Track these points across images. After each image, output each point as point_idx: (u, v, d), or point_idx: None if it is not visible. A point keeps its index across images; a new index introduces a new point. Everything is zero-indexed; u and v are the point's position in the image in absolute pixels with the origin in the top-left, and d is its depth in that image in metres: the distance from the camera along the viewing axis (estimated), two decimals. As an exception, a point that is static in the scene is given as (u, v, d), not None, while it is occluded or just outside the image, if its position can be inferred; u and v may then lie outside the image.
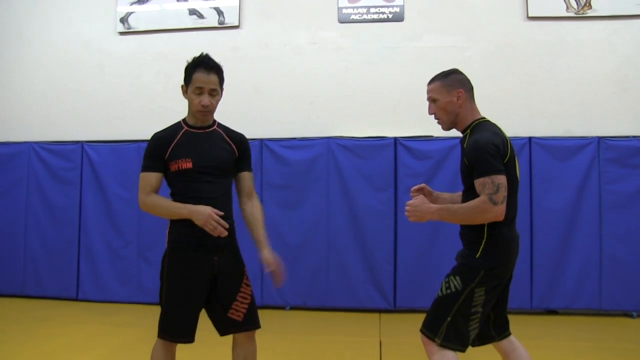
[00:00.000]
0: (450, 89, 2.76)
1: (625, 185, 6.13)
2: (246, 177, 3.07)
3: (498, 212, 2.42)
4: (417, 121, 6.58)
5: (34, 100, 7.54)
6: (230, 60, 6.86)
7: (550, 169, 6.23)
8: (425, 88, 6.78)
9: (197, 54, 2.90)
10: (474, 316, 2.57)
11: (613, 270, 6.07)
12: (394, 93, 6.69)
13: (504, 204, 2.42)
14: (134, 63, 7.25)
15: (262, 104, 6.82)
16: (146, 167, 2.88)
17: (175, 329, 2.84)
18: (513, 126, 6.38)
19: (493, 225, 2.56)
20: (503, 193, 2.40)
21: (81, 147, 7.04)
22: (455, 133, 6.38)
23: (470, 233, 2.64)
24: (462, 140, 2.78)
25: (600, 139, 6.21)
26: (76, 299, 6.91)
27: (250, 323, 2.94)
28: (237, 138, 3.03)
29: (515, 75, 6.59)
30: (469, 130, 2.73)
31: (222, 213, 2.74)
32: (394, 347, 4.72)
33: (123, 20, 7.28)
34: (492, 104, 6.47)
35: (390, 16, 6.80)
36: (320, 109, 6.81)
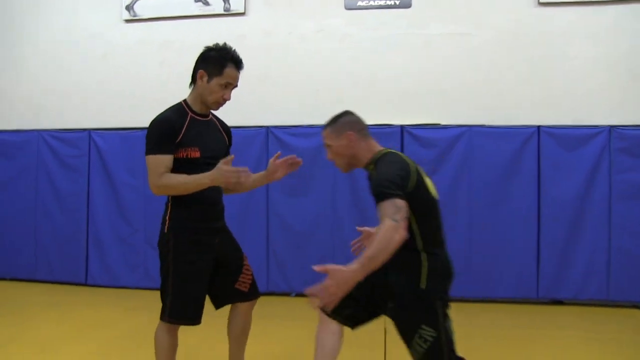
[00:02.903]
0: (340, 134, 2.74)
1: (636, 175, 6.04)
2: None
3: (402, 231, 2.27)
4: (424, 109, 6.56)
5: (42, 90, 7.58)
6: (237, 47, 6.84)
7: (559, 158, 6.15)
8: (432, 76, 6.78)
9: (222, 43, 2.97)
10: (453, 337, 2.59)
11: (621, 261, 6.00)
12: (401, 81, 6.64)
13: (405, 223, 2.30)
14: (140, 50, 7.25)
15: (268, 91, 6.80)
16: (157, 150, 2.81)
17: (189, 312, 2.92)
18: (521, 115, 6.35)
19: (428, 250, 2.55)
20: (403, 214, 2.31)
21: (88, 135, 7.08)
22: (463, 121, 6.37)
23: (408, 263, 2.56)
24: (368, 176, 2.77)
25: (611, 128, 6.11)
26: (85, 284, 6.99)
27: (254, 293, 3.18)
28: (227, 128, 3.19)
29: (524, 62, 6.48)
30: (372, 165, 2.70)
31: (232, 168, 2.74)
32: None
33: (129, 7, 7.25)
34: (500, 93, 6.46)
35: (397, 3, 6.70)
36: (326, 97, 6.75)
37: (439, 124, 6.41)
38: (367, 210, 6.37)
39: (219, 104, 2.94)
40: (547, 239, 6.14)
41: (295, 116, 6.71)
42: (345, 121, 2.78)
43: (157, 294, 3.01)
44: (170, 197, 2.96)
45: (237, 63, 2.93)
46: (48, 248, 7.13)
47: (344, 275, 2.23)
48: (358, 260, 2.27)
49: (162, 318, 2.94)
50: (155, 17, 7.22)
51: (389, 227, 2.25)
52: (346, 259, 6.78)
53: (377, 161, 2.67)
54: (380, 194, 2.38)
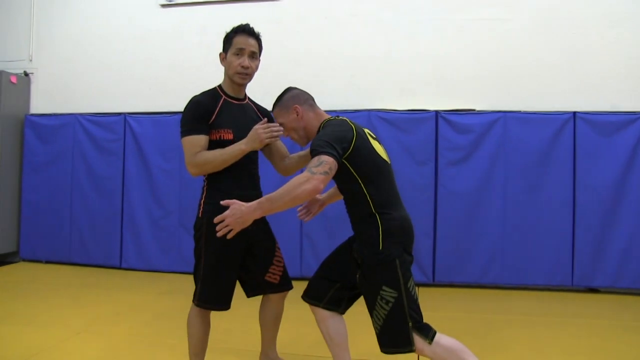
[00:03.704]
0: (287, 109, 2.83)
1: (674, 162, 5.91)
2: (281, 143, 3.21)
3: (313, 180, 2.32)
4: (459, 94, 6.50)
5: (79, 74, 7.69)
6: (270, 33, 6.82)
7: (595, 144, 6.04)
8: (467, 61, 6.72)
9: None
10: (418, 299, 2.62)
11: (659, 249, 5.89)
12: (436, 66, 6.59)
13: (322, 177, 2.34)
14: (175, 36, 7.30)
15: (303, 76, 6.74)
16: (192, 131, 2.86)
17: (217, 297, 2.97)
18: (556, 100, 6.26)
19: (381, 211, 2.60)
20: (324, 168, 2.36)
21: (124, 119, 7.15)
22: (498, 106, 6.29)
23: (365, 228, 2.64)
24: None
25: (650, 114, 5.98)
26: (120, 267, 7.10)
27: (285, 284, 3.18)
28: (267, 112, 3.18)
29: (560, 47, 6.37)
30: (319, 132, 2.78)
31: (264, 124, 2.83)
32: (432, 322, 4.68)
33: (165, -8, 7.32)
34: (535, 78, 6.37)
35: (433, -13, 6.66)
36: (361, 82, 6.75)
37: (474, 110, 6.34)
38: (401, 194, 6.34)
39: (240, 74, 2.94)
40: (582, 226, 6.06)
41: (330, 101, 6.67)
42: (289, 96, 2.86)
43: (191, 277, 3.06)
44: (206, 182, 2.99)
45: (244, 30, 2.95)
46: (83, 231, 7.23)
47: (241, 209, 2.40)
48: (258, 199, 2.41)
49: (193, 301, 3.01)
50: (191, 2, 7.27)
51: (301, 176, 2.34)
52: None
53: (323, 127, 2.74)
54: (312, 152, 2.47)
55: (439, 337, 2.57)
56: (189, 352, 3.06)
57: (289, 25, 6.90)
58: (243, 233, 2.91)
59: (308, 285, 2.97)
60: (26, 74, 7.81)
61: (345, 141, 2.54)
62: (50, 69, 7.80)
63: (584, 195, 6.06)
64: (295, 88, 2.92)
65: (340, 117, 2.78)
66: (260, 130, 2.77)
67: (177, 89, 6.98)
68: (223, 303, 2.97)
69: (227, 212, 2.42)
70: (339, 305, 2.89)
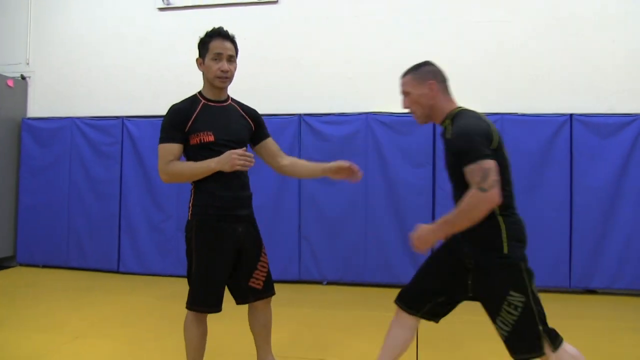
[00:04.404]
0: (422, 81, 2.67)
1: (670, 163, 5.93)
2: (271, 141, 3.22)
3: (490, 198, 2.25)
4: (456, 96, 6.50)
5: (76, 77, 7.69)
6: (270, 35, 6.89)
7: (592, 146, 6.07)
8: (465, 63, 6.72)
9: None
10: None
11: (657, 250, 5.91)
12: (433, 68, 6.60)
13: (496, 188, 2.26)
14: (173, 39, 7.27)
15: (302, 79, 6.80)
16: (167, 138, 2.88)
17: (209, 299, 2.94)
18: (554, 102, 6.28)
19: (504, 213, 2.48)
20: (493, 177, 2.26)
21: (122, 122, 7.15)
22: (493, 109, 6.29)
23: (483, 230, 2.46)
24: (442, 132, 2.67)
25: (646, 116, 6.00)
26: (117, 271, 7.08)
27: (268, 290, 3.14)
28: (251, 111, 3.18)
29: (556, 50, 6.40)
30: (449, 120, 2.61)
31: (241, 151, 2.81)
32: (430, 323, 4.71)
33: (163, -4, 7.33)
34: (533, 80, 6.39)
35: (433, -11, 6.67)
36: (360, 84, 6.75)
37: (471, 112, 6.35)
38: (399, 197, 6.35)
39: (220, 78, 2.94)
40: (580, 228, 6.08)
41: (328, 104, 6.70)
42: (429, 69, 2.71)
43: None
44: (193, 184, 2.99)
45: (220, 34, 2.96)
46: (81, 235, 7.22)
47: (422, 231, 2.44)
48: (439, 221, 2.37)
49: (188, 307, 2.98)
50: (189, 5, 7.27)
51: (474, 195, 2.27)
52: (380, 246, 6.76)
53: (455, 117, 2.58)
54: (466, 156, 2.34)
55: (565, 344, 2.49)
56: (186, 357, 3.04)
57: (287, 27, 6.88)
58: (233, 235, 2.92)
59: (406, 291, 2.83)
60: (23, 78, 7.80)
61: (490, 137, 2.42)
62: (47, 73, 7.79)
63: (581, 197, 6.08)
64: (435, 64, 2.75)
65: (471, 110, 2.63)
66: (234, 155, 2.77)
67: (175, 93, 6.92)
68: (215, 305, 2.94)
69: (414, 233, 2.47)
70: (437, 316, 2.79)
